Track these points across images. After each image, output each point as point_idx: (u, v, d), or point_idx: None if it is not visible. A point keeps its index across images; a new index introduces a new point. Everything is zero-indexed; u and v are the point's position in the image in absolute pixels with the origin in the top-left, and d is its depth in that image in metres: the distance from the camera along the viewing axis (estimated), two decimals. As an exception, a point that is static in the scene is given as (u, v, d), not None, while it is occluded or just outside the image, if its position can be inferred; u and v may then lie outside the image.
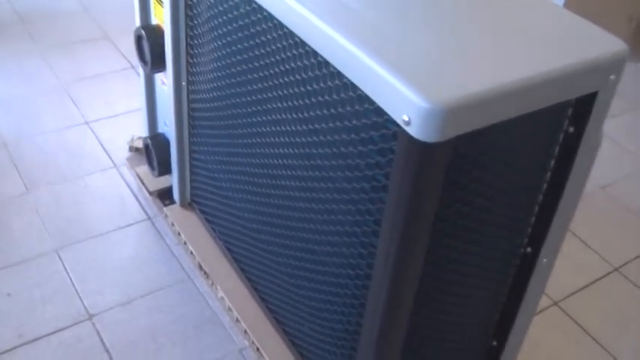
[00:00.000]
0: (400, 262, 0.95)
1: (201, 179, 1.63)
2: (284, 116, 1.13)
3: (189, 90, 1.52)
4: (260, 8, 1.11)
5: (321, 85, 1.00)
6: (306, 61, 1.02)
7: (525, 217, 1.10)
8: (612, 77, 0.95)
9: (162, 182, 1.85)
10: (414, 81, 0.81)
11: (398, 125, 0.85)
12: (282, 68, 1.10)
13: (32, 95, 2.22)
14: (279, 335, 1.46)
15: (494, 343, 1.29)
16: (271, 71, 1.13)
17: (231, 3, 1.20)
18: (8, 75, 2.31)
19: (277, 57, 1.10)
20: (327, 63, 0.97)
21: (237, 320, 1.52)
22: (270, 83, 1.15)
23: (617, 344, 1.62)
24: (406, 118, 0.81)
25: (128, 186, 1.91)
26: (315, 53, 0.99)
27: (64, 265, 1.66)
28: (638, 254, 1.88)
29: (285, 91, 1.10)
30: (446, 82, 0.82)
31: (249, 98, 1.24)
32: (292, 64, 1.06)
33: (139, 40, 1.59)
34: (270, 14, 1.08)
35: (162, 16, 1.50)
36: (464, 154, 0.90)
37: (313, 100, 1.04)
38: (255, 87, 1.20)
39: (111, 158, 2.00)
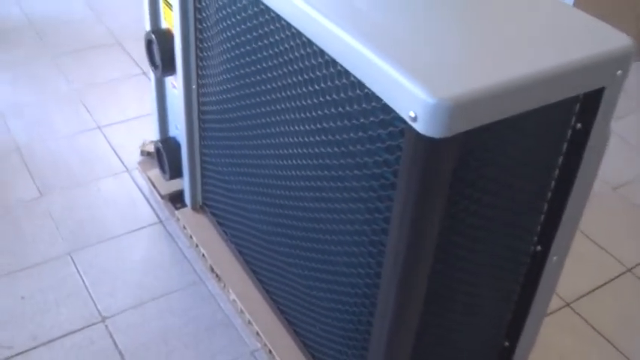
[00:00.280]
0: (409, 260, 0.95)
1: (212, 182, 1.64)
2: (292, 116, 1.14)
3: (200, 93, 1.53)
4: (268, 9, 1.12)
5: (329, 84, 1.01)
6: (313, 61, 1.03)
7: (534, 214, 1.10)
8: (619, 73, 0.95)
9: (173, 186, 1.86)
10: (420, 77, 0.81)
11: (405, 122, 0.85)
12: (290, 68, 1.10)
13: (45, 101, 2.24)
14: (291, 337, 1.47)
15: (506, 343, 1.28)
16: (279, 72, 1.14)
17: (239, 5, 1.21)
18: (21, 81, 2.33)
19: (285, 57, 1.11)
20: (334, 62, 0.98)
21: (249, 322, 1.52)
22: (279, 84, 1.15)
23: (630, 345, 1.61)
24: (412, 115, 0.81)
25: (140, 190, 1.92)
26: (323, 52, 1.00)
27: (77, 268, 1.68)
28: (651, 254, 1.87)
29: (294, 91, 1.11)
30: (452, 77, 0.83)
31: (258, 99, 1.25)
32: (300, 64, 1.07)
33: (149, 44, 1.60)
34: (278, 15, 1.09)
35: (171, 20, 1.52)
36: (471, 150, 0.91)
37: (321, 99, 1.04)
38: (263, 88, 1.21)
39: (123, 162, 2.02)
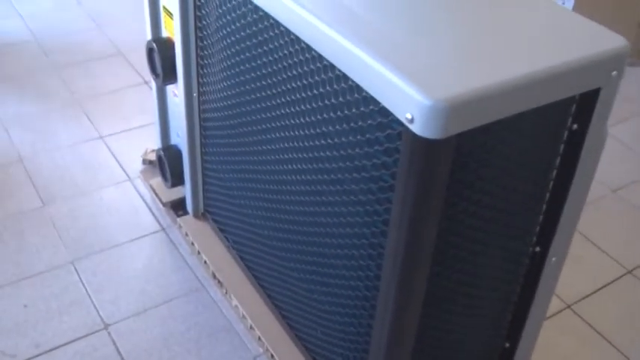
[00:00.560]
0: (408, 262, 0.96)
1: (213, 189, 1.65)
2: (292, 121, 1.15)
3: (201, 100, 1.54)
4: (267, 16, 1.13)
5: (327, 88, 1.02)
6: (312, 66, 1.04)
7: (533, 215, 1.11)
8: (614, 74, 0.96)
9: (175, 193, 1.87)
10: (416, 79, 0.83)
11: (402, 124, 0.86)
12: (289, 74, 1.12)
13: (47, 111, 2.26)
14: (293, 341, 1.47)
15: (507, 344, 1.29)
16: (278, 77, 1.15)
17: (239, 12, 1.22)
18: (24, 92, 2.35)
19: (284, 63, 1.12)
20: (332, 66, 0.99)
21: (251, 328, 1.53)
22: (278, 89, 1.17)
23: (631, 346, 1.61)
24: (409, 116, 0.82)
25: (142, 198, 1.94)
26: (321, 57, 1.01)
27: (79, 277, 1.68)
28: (652, 257, 1.88)
29: (293, 97, 1.12)
30: (448, 79, 0.84)
31: (258, 105, 1.26)
32: (299, 69, 1.08)
33: (150, 52, 1.62)
34: (277, 22, 1.11)
35: (172, 29, 1.53)
36: (469, 152, 0.92)
37: (320, 103, 1.05)
38: (263, 94, 1.22)
39: (125, 171, 2.03)
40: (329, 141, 1.06)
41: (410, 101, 0.82)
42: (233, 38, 1.28)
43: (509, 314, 1.25)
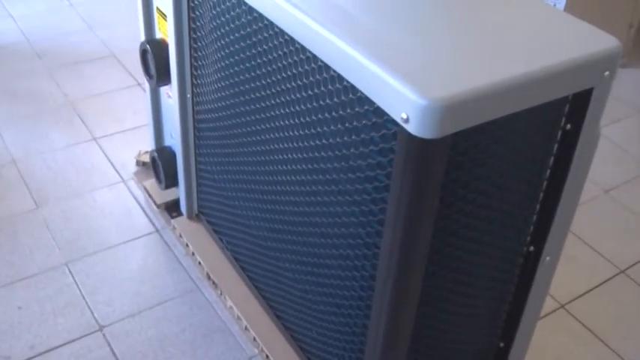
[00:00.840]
0: (404, 262, 0.96)
1: (207, 190, 1.65)
2: (286, 122, 1.15)
3: (195, 102, 1.55)
4: (261, 17, 1.13)
5: (322, 89, 1.03)
6: (306, 67, 1.05)
7: (527, 215, 1.11)
8: (607, 74, 0.97)
9: (169, 195, 1.87)
10: (411, 79, 0.83)
11: (397, 124, 0.87)
12: (283, 75, 1.12)
13: (40, 113, 2.26)
14: (288, 341, 1.47)
15: (502, 344, 1.30)
16: (273, 78, 1.15)
17: (233, 13, 1.22)
18: (17, 94, 2.34)
19: (278, 64, 1.13)
20: (327, 67, 0.99)
21: (245, 328, 1.53)
22: (273, 90, 1.17)
23: (624, 346, 1.62)
24: (404, 116, 0.83)
25: (136, 200, 1.93)
26: (315, 58, 1.01)
27: (74, 278, 1.68)
28: (644, 256, 1.89)
29: (287, 97, 1.13)
30: (443, 79, 0.84)
31: (252, 106, 1.26)
32: (293, 70, 1.09)
33: (144, 54, 1.62)
34: (270, 22, 1.11)
35: (166, 30, 1.53)
36: (464, 151, 0.92)
37: (315, 104, 1.06)
38: (257, 95, 1.23)
39: (119, 173, 2.03)
40: (324, 141, 1.07)
41: (405, 101, 0.82)
42: (227, 39, 1.28)
43: (504, 314, 1.25)
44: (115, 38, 2.73)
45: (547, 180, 1.08)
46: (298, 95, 1.10)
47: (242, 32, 1.22)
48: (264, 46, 1.16)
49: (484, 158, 0.96)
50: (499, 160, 0.99)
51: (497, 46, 0.94)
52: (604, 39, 0.97)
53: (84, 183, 1.98)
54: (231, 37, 1.26)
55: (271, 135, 1.22)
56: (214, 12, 1.30)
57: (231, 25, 1.25)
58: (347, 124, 1.00)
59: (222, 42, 1.30)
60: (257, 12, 1.14)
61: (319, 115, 1.06)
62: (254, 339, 1.50)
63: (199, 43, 1.43)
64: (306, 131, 1.11)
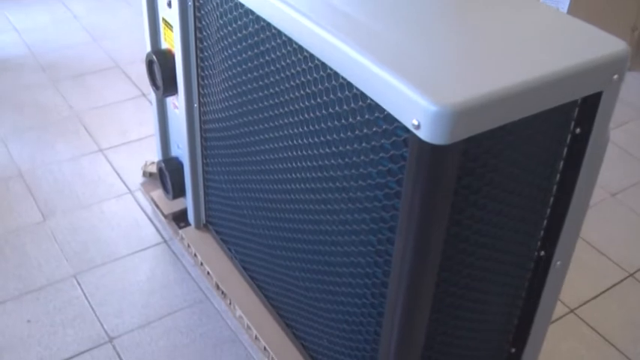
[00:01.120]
0: (416, 268, 0.96)
1: (215, 200, 1.65)
2: (295, 130, 1.16)
3: (202, 111, 1.55)
4: (269, 26, 1.14)
5: (331, 96, 1.03)
6: (315, 74, 1.05)
7: (537, 219, 1.11)
8: (615, 77, 0.97)
9: (176, 205, 1.87)
10: (422, 85, 0.83)
11: (408, 131, 0.87)
12: (292, 83, 1.12)
13: (46, 126, 2.26)
14: (299, 350, 1.47)
15: (513, 350, 1.29)
16: (282, 87, 1.16)
17: (240, 22, 1.23)
18: (22, 107, 2.35)
19: (287, 72, 1.13)
20: (336, 74, 1.00)
21: (256, 338, 1.53)
22: (281, 99, 1.17)
23: (635, 349, 1.62)
24: (416, 122, 0.83)
25: (143, 210, 1.94)
26: (325, 65, 1.02)
27: (82, 290, 1.68)
28: (653, 260, 1.89)
29: (296, 105, 1.13)
30: (453, 84, 0.85)
31: (260, 115, 1.27)
32: (302, 78, 1.09)
33: (150, 64, 1.62)
34: (278, 31, 1.11)
35: (172, 41, 1.54)
36: (475, 157, 0.92)
37: (324, 112, 1.06)
38: (266, 103, 1.23)
39: (125, 184, 2.03)
40: (333, 149, 1.07)
41: (416, 107, 0.82)
42: (234, 49, 1.28)
43: (515, 319, 1.25)
44: (119, 49, 2.74)
45: (557, 184, 1.08)
46: (307, 103, 1.10)
47: (249, 41, 1.22)
48: (272, 55, 1.16)
49: (495, 163, 0.96)
50: (510, 165, 0.99)
51: (506, 51, 0.94)
52: (612, 42, 0.97)
53: (91, 194, 1.98)
54: (239, 46, 1.26)
55: (280, 143, 1.22)
56: (221, 22, 1.31)
57: (238, 35, 1.25)
58: (357, 132, 1.00)
59: (230, 51, 1.31)
60: (264, 21, 1.15)
61: (328, 123, 1.06)
62: (264, 348, 1.50)
63: (206, 53, 1.43)
64: (316, 139, 1.11)
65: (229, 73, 1.33)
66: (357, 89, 0.96)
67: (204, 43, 1.42)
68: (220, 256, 1.71)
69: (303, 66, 1.08)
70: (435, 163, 0.85)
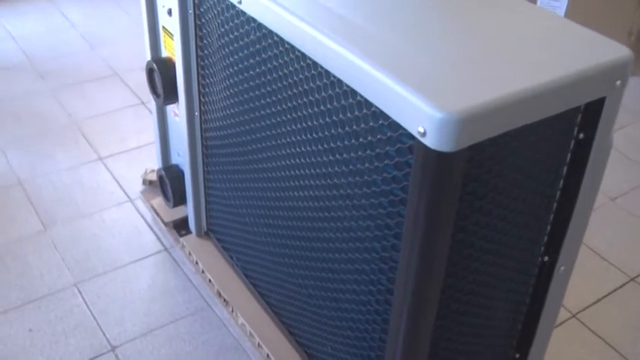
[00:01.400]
0: (422, 275, 0.96)
1: (216, 208, 1.65)
2: (299, 138, 1.16)
3: (202, 119, 1.55)
4: (271, 33, 1.14)
5: (335, 104, 1.03)
6: (318, 82, 1.05)
7: (541, 225, 1.11)
8: (618, 83, 0.97)
9: (177, 213, 1.87)
10: (428, 93, 0.83)
11: (413, 138, 0.87)
12: (294, 91, 1.12)
13: (45, 134, 2.26)
14: (302, 357, 1.47)
15: (517, 355, 1.29)
16: (284, 94, 1.16)
17: (241, 30, 1.23)
18: (21, 115, 2.35)
19: (289, 80, 1.13)
20: (340, 82, 1.00)
21: (259, 345, 1.53)
22: (284, 106, 1.17)
23: (638, 353, 1.62)
24: (421, 130, 0.83)
25: (143, 218, 1.93)
26: (328, 73, 1.02)
27: (83, 299, 1.68)
28: (654, 263, 1.89)
29: (299, 113, 1.13)
30: (458, 91, 0.85)
31: (262, 123, 1.27)
32: (305, 86, 1.09)
33: (150, 72, 1.62)
34: (280, 38, 1.11)
35: (172, 49, 1.54)
36: (479, 163, 0.92)
37: (328, 119, 1.06)
38: (268, 111, 1.23)
39: (125, 192, 2.03)
40: (338, 156, 1.07)
41: (423, 115, 0.82)
42: (236, 56, 1.28)
43: (519, 324, 1.25)
44: (117, 57, 2.74)
45: (560, 190, 1.09)
46: (310, 111, 1.10)
47: (251, 49, 1.22)
48: (274, 62, 1.16)
49: (500, 170, 0.96)
50: (514, 171, 0.99)
51: (508, 57, 0.94)
52: (615, 48, 0.98)
53: (91, 203, 1.98)
54: (240, 54, 1.27)
55: (283, 151, 1.22)
56: (222, 30, 1.31)
57: (240, 42, 1.25)
58: (361, 139, 1.00)
59: (231, 59, 1.31)
60: (266, 28, 1.15)
61: (332, 131, 1.06)
62: (267, 356, 1.50)
63: (206, 61, 1.44)
64: (319, 147, 1.11)
65: (230, 80, 1.34)
66: (362, 96, 0.96)
67: (205, 51, 1.43)
68: (222, 264, 1.71)
69: (306, 73, 1.08)
70: (441, 170, 0.85)
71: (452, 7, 1.09)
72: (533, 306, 1.21)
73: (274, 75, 1.17)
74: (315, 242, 1.23)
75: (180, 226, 1.85)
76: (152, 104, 1.74)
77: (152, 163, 2.12)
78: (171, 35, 1.53)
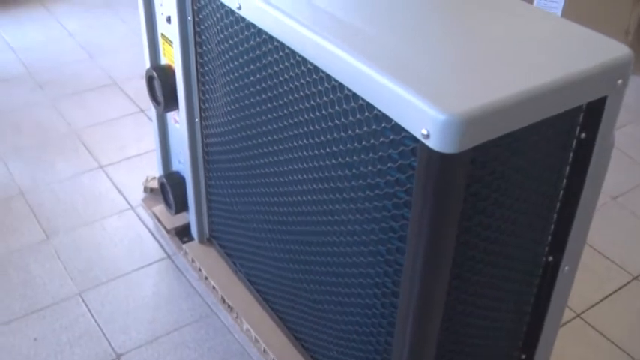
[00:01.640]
0: (427, 277, 0.96)
1: (218, 214, 1.65)
2: (300, 142, 1.16)
3: (203, 126, 1.55)
4: (271, 38, 1.14)
5: (337, 108, 1.03)
6: (320, 87, 1.05)
7: (544, 225, 1.12)
8: (619, 82, 0.97)
9: (179, 220, 1.87)
10: (430, 95, 0.84)
11: (416, 141, 0.87)
12: (296, 95, 1.13)
13: (45, 144, 2.26)
14: (307, 362, 1.47)
15: (523, 356, 1.29)
16: (285, 99, 1.16)
17: (241, 36, 1.23)
18: (21, 126, 2.35)
19: (290, 85, 1.13)
20: (341, 86, 1.00)
21: (264, 351, 1.53)
22: (285, 111, 1.17)
23: (643, 352, 1.62)
24: (425, 132, 0.83)
25: (145, 226, 1.93)
26: (329, 77, 1.02)
27: (88, 308, 1.68)
28: (656, 261, 1.89)
29: (301, 117, 1.13)
30: (460, 93, 0.85)
31: (263, 128, 1.27)
32: (306, 91, 1.09)
33: (150, 80, 1.62)
34: (281, 44, 1.12)
35: (172, 56, 1.54)
36: (482, 164, 0.92)
37: (330, 123, 1.06)
38: (269, 116, 1.23)
39: (127, 200, 2.03)
40: (340, 160, 1.07)
41: (425, 117, 0.82)
42: (236, 62, 1.29)
43: (524, 325, 1.25)
44: (115, 66, 2.74)
45: (563, 189, 1.09)
46: (312, 115, 1.10)
47: (251, 55, 1.22)
48: (275, 68, 1.16)
49: (503, 170, 0.96)
50: (517, 172, 0.99)
51: (510, 58, 0.95)
52: (615, 47, 0.98)
53: (93, 212, 1.98)
54: (240, 60, 1.27)
55: (285, 156, 1.23)
56: (221, 36, 1.31)
57: (240, 48, 1.26)
58: (364, 143, 1.00)
59: (231, 65, 1.31)
60: (266, 34, 1.15)
61: (334, 135, 1.06)
62: (273, 361, 1.50)
63: (206, 68, 1.44)
64: (322, 151, 1.11)
65: (231, 87, 1.34)
66: (363, 100, 0.96)
67: (205, 58, 1.43)
68: (225, 270, 1.71)
69: (307, 78, 1.08)
70: (445, 171, 0.86)
71: (450, 9, 1.10)
72: (538, 306, 1.21)
73: (275, 80, 1.17)
74: (319, 246, 1.23)
75: (182, 233, 1.85)
76: (151, 112, 1.74)
77: (153, 170, 2.12)
78: (170, 42, 1.53)
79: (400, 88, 0.86)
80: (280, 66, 1.15)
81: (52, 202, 2.01)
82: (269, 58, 1.17)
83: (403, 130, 0.90)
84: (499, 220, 1.02)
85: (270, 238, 1.41)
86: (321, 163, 1.12)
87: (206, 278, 1.71)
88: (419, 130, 0.84)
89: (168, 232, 1.87)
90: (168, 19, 1.49)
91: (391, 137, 0.94)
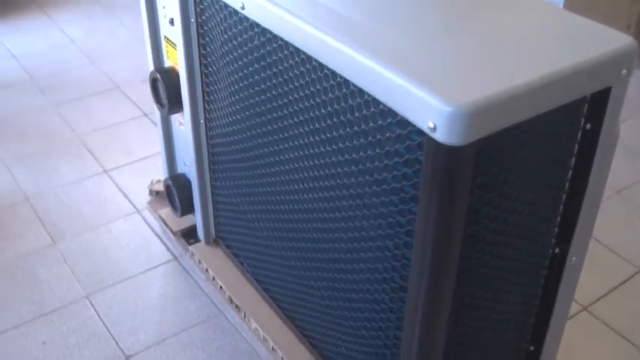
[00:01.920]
0: (435, 271, 0.97)
1: (225, 214, 1.66)
2: (307, 139, 1.16)
3: (208, 127, 1.56)
4: (275, 37, 1.15)
5: (342, 104, 1.04)
6: (325, 84, 1.06)
7: (551, 216, 1.12)
8: (624, 72, 0.98)
9: (185, 222, 1.87)
10: (436, 87, 0.84)
11: (422, 134, 0.88)
12: (301, 93, 1.13)
13: (50, 150, 2.27)
14: (317, 359, 1.48)
15: (532, 348, 1.29)
16: (291, 97, 1.17)
17: (245, 36, 1.24)
18: (25, 132, 2.36)
19: (296, 83, 1.14)
20: (347, 82, 1.00)
21: (273, 349, 1.53)
22: (291, 109, 1.18)
23: (651, 343, 1.63)
24: (431, 125, 0.84)
25: (152, 229, 1.94)
26: (334, 74, 1.02)
27: (95, 310, 1.68)
28: (662, 254, 1.89)
29: (307, 115, 1.14)
30: (465, 85, 0.85)
31: (269, 127, 1.27)
32: (312, 88, 1.10)
33: (154, 83, 1.63)
34: (286, 42, 1.12)
35: (175, 58, 1.55)
36: (489, 156, 0.93)
37: (335, 120, 1.07)
38: (275, 115, 1.24)
39: (132, 204, 2.03)
40: (347, 156, 1.08)
41: (432, 110, 0.83)
42: (240, 62, 1.29)
43: (532, 317, 1.26)
44: (117, 71, 2.75)
45: (569, 180, 1.09)
46: (317, 112, 1.11)
47: (256, 54, 1.23)
48: (280, 66, 1.17)
49: (508, 162, 0.97)
50: (523, 163, 0.99)
51: (514, 49, 0.95)
52: (619, 38, 0.99)
53: (98, 216, 1.99)
54: (245, 59, 1.27)
55: (291, 154, 1.23)
56: (225, 36, 1.32)
57: (244, 48, 1.26)
58: (370, 138, 1.00)
59: (235, 65, 1.31)
60: (271, 33, 1.16)
61: (340, 131, 1.07)
62: (282, 359, 1.50)
63: (210, 69, 1.44)
64: (327, 147, 1.12)
65: (236, 86, 1.34)
66: (369, 95, 0.96)
67: (209, 59, 1.44)
68: (232, 270, 1.71)
69: (313, 75, 1.08)
70: (452, 164, 0.86)
71: (452, 1, 1.10)
72: (545, 298, 1.22)
73: (280, 79, 1.18)
74: (327, 243, 1.23)
75: (188, 235, 1.85)
76: (155, 116, 1.75)
77: (157, 173, 2.13)
78: (173, 45, 1.54)
79: (406, 82, 0.86)
80: (285, 64, 1.15)
81: (58, 207, 2.02)
82: (273, 57, 1.18)
83: (409, 124, 0.90)
84: (506, 211, 1.02)
85: (277, 237, 1.41)
86: (327, 159, 1.13)
87: (213, 279, 1.72)
88: (425, 124, 0.85)
89: (174, 234, 1.87)
90: (172, 22, 1.50)
91: (397, 132, 0.94)
